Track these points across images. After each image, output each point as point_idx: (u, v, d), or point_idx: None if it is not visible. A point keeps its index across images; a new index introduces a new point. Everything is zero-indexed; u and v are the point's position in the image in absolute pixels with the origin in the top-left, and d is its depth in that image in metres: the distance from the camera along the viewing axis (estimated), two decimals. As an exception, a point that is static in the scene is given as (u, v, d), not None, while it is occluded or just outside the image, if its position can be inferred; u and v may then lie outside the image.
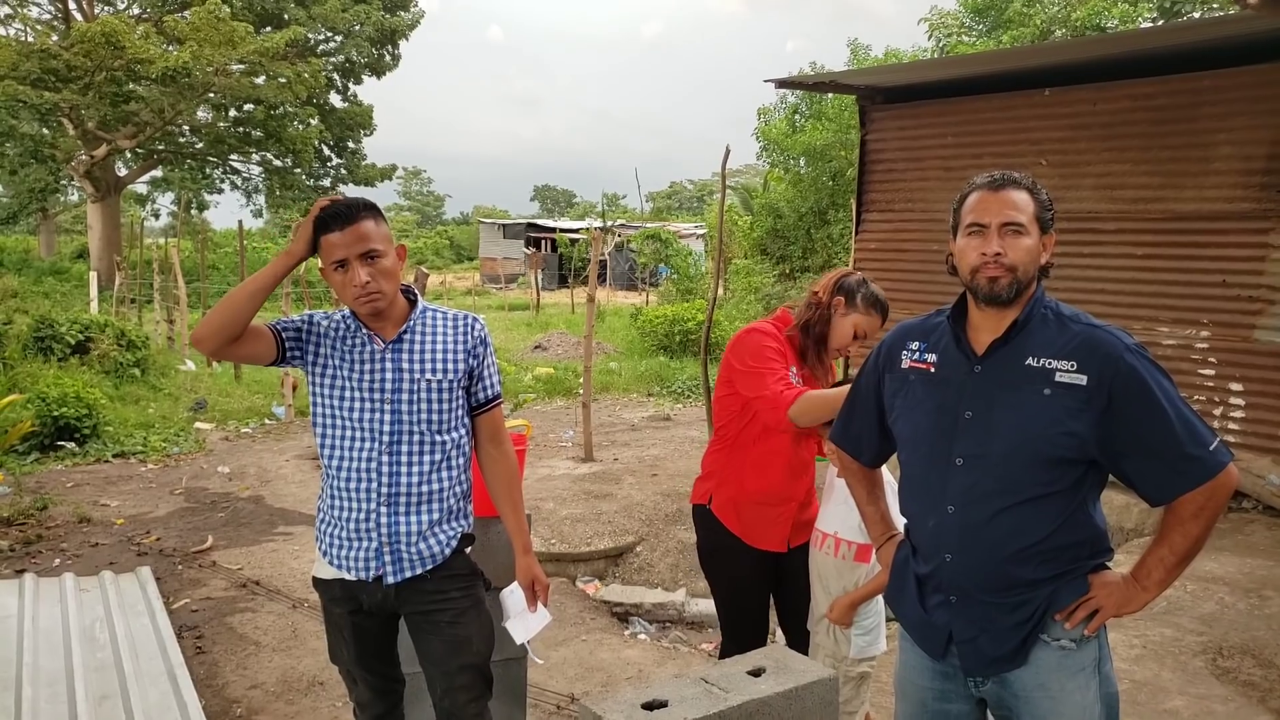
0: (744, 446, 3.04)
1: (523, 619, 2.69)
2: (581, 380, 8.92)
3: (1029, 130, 7.52)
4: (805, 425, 2.86)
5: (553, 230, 37.94)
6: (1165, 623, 4.47)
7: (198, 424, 9.59)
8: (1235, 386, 6.41)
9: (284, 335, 2.44)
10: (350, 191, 28.42)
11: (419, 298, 2.58)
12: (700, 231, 31.45)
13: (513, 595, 2.70)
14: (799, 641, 3.15)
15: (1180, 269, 6.65)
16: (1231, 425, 6.39)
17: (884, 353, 2.25)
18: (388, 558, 2.47)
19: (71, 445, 8.17)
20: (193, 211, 30.28)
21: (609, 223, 31.45)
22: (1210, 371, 6.52)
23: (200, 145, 27.64)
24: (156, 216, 35.08)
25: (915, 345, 2.18)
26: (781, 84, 9.09)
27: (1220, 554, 5.36)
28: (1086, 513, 2.03)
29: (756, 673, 1.89)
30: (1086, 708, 2.01)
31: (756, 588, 3.14)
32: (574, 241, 31.79)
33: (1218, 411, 6.45)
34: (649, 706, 1.74)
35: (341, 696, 3.93)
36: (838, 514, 2.94)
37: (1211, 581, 4.96)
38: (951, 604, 2.08)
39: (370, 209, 2.39)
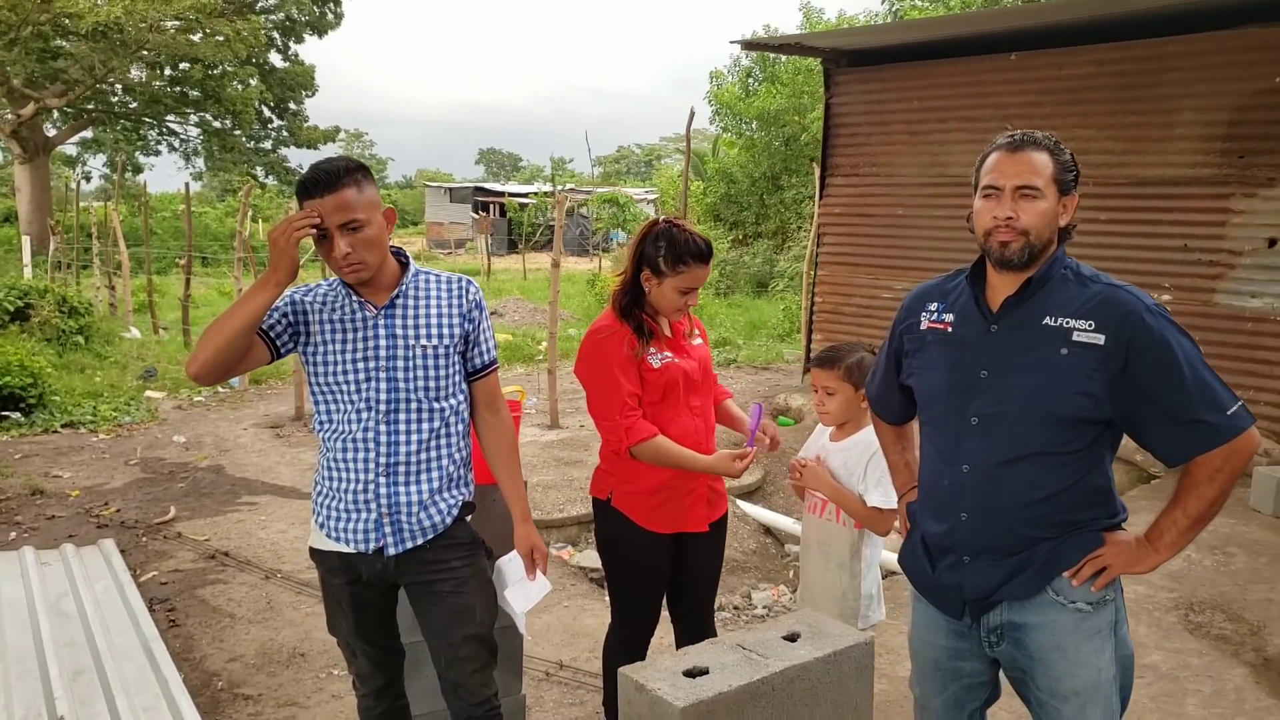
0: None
1: (522, 588, 2.65)
2: (543, 347, 8.83)
3: (994, 94, 7.55)
4: (646, 462, 2.81)
5: (501, 194, 37.36)
6: (1137, 580, 4.57)
7: (148, 392, 9.28)
8: (1194, 349, 6.56)
9: (273, 335, 2.35)
10: (293, 155, 27.49)
11: (411, 261, 2.49)
12: (651, 197, 31.23)
13: (511, 564, 2.66)
14: (693, 629, 3.05)
15: (1143, 234, 6.76)
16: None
17: (904, 314, 2.25)
18: (388, 529, 2.40)
19: (16, 415, 7.87)
20: (128, 174, 29.20)
21: (560, 187, 31.08)
22: (1170, 334, 6.65)
23: (134, 105, 26.58)
24: (88, 179, 33.75)
25: (934, 306, 2.17)
26: (747, 45, 9.01)
27: (1182, 511, 5.50)
28: (1102, 473, 2.04)
29: (792, 638, 1.87)
30: (1102, 670, 2.02)
31: (657, 572, 2.98)
32: (523, 206, 31.38)
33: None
34: (690, 674, 1.70)
35: (324, 668, 3.86)
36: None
37: (1176, 538, 5.09)
38: (964, 564, 2.07)
39: (353, 173, 2.26)
